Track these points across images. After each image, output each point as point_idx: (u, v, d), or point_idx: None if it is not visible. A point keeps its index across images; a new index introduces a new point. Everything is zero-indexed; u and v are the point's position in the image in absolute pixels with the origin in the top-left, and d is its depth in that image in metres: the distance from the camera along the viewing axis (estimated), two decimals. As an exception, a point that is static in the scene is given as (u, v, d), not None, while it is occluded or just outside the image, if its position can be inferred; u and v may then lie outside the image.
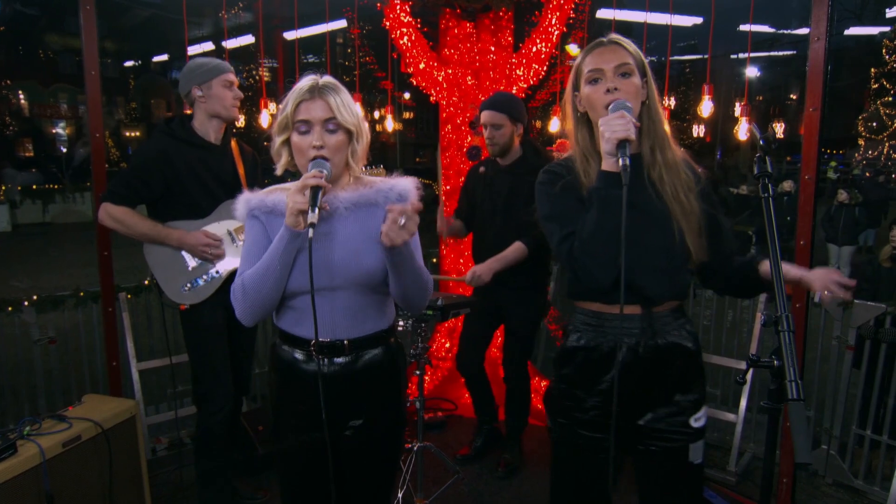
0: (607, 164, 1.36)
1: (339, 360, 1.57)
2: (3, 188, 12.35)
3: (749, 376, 3.46)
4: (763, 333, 3.43)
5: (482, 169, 2.99)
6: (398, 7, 3.34)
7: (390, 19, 3.36)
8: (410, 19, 3.41)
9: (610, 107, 1.37)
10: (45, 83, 19.30)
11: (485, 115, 2.78)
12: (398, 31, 3.38)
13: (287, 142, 1.53)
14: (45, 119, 19.42)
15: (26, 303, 3.49)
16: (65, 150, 18.27)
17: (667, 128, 1.49)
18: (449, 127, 3.72)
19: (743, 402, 3.39)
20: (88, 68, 2.61)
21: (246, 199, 1.59)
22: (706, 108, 2.95)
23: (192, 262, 2.44)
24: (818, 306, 3.47)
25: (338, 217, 1.54)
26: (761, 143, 1.20)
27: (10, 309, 3.44)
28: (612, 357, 1.47)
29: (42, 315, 3.51)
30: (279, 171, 1.58)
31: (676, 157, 1.49)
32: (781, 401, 0.99)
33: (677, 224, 1.43)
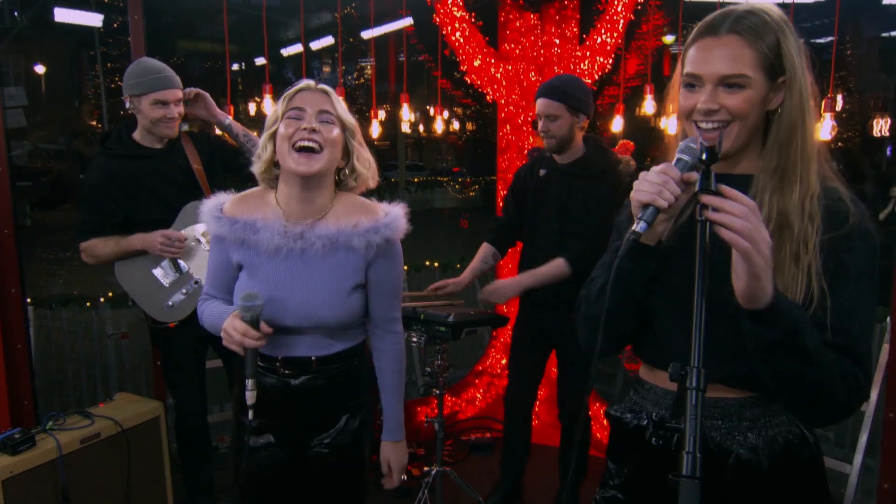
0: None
1: (304, 376, 1.58)
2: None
3: (871, 412, 3.02)
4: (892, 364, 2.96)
5: (542, 171, 2.65)
6: (449, 1, 3.30)
7: (441, 14, 3.32)
8: (464, 14, 3.35)
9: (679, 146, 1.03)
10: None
11: (539, 104, 2.48)
12: (449, 27, 3.33)
13: (273, 136, 1.47)
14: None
15: (102, 299, 3.86)
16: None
17: (809, 151, 1.08)
18: (508, 127, 3.61)
19: (860, 451, 2.96)
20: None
21: (216, 218, 1.54)
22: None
23: (165, 279, 2.42)
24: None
25: (310, 253, 1.49)
26: (704, 156, 0.98)
27: (88, 304, 3.83)
28: (636, 436, 1.20)
29: (116, 311, 3.87)
30: (256, 170, 1.55)
31: (807, 196, 1.07)
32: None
33: None
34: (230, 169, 2.57)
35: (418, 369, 4.09)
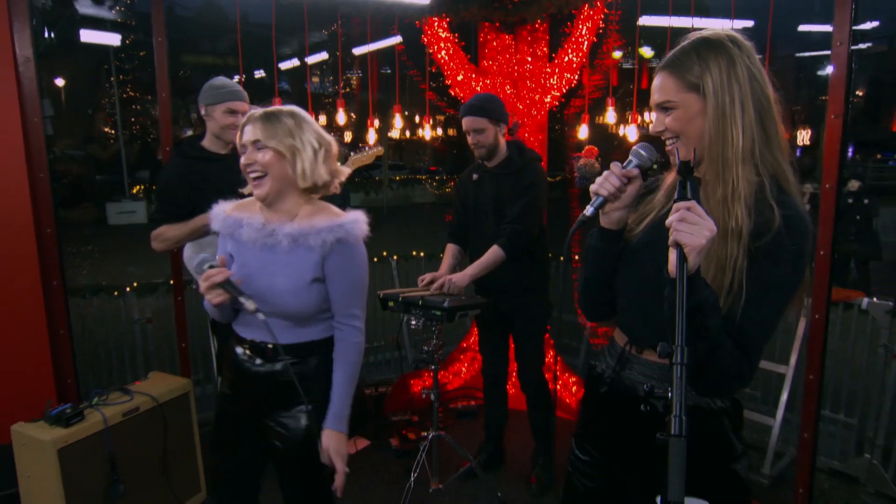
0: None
1: (266, 359, 1.62)
2: (142, 187, 13.61)
3: (790, 376, 3.20)
4: (806, 336, 3.17)
5: (475, 176, 2.77)
6: (436, 23, 3.37)
7: (428, 35, 3.39)
8: (448, 34, 3.43)
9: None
10: (182, 97, 21.08)
11: (465, 122, 2.58)
12: (435, 46, 3.41)
13: None
14: (177, 127, 21.26)
15: (128, 288, 3.90)
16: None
17: (728, 157, 1.12)
18: (488, 134, 3.70)
19: (781, 407, 3.18)
20: (160, 91, 2.85)
21: (216, 216, 1.68)
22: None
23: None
24: (866, 313, 3.19)
25: (278, 248, 1.57)
26: (678, 164, 1.07)
27: (116, 293, 3.86)
28: (595, 382, 1.37)
29: (141, 299, 3.91)
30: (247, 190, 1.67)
31: (731, 196, 1.11)
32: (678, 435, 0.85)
33: None
34: None
35: (408, 345, 4.21)
